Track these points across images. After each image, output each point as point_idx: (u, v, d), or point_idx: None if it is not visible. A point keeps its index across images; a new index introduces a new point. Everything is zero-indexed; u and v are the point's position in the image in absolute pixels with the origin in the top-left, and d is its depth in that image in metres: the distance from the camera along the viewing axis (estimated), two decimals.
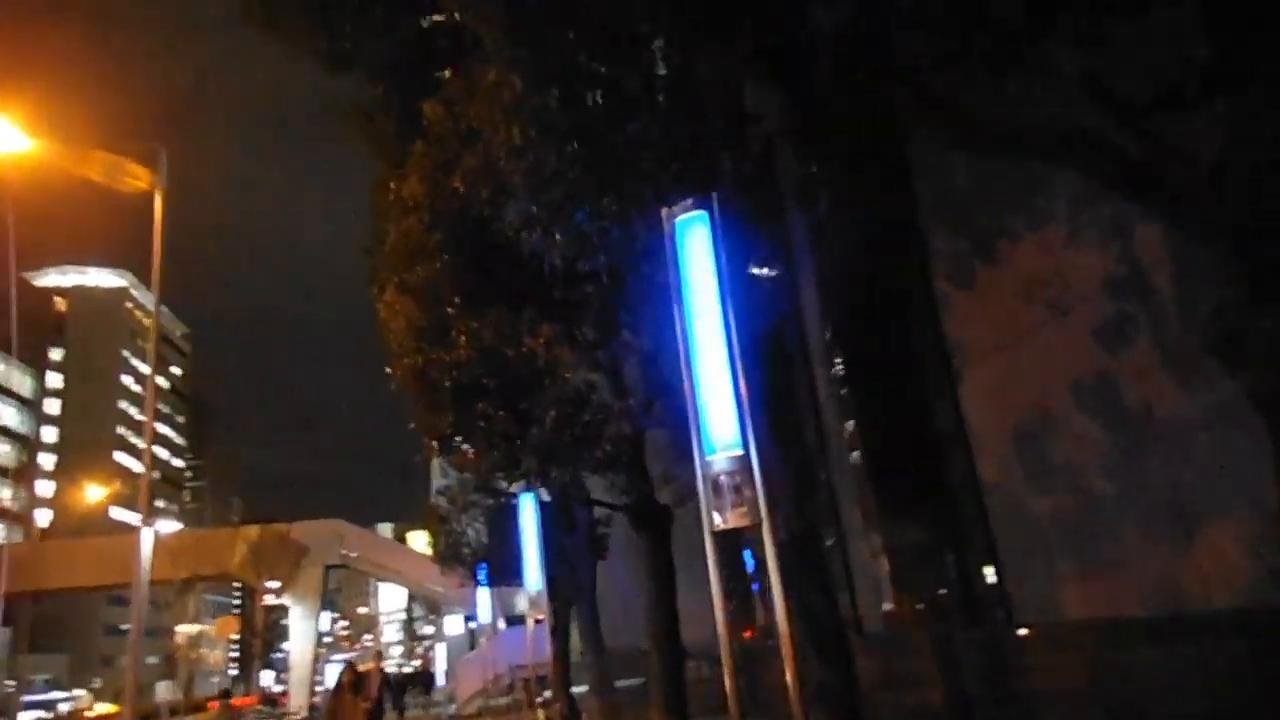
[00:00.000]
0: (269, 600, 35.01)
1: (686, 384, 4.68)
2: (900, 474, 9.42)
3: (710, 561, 4.51)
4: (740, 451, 4.52)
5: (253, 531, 31.95)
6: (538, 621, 13.62)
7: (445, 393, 9.17)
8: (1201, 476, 6.00)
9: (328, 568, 35.48)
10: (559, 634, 21.49)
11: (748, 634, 15.29)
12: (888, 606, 10.48)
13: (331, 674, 45.02)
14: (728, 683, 4.51)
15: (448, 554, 22.57)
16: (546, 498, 14.85)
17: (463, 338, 8.10)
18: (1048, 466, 7.40)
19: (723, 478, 4.52)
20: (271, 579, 30.85)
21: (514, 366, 7.73)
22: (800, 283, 11.03)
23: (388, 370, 10.57)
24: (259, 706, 37.05)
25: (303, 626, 32.40)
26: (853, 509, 11.10)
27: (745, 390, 4.60)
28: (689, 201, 4.73)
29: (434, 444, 11.40)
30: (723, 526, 4.47)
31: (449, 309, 8.51)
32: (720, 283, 4.63)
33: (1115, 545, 6.76)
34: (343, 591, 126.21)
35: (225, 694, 27.08)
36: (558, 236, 6.15)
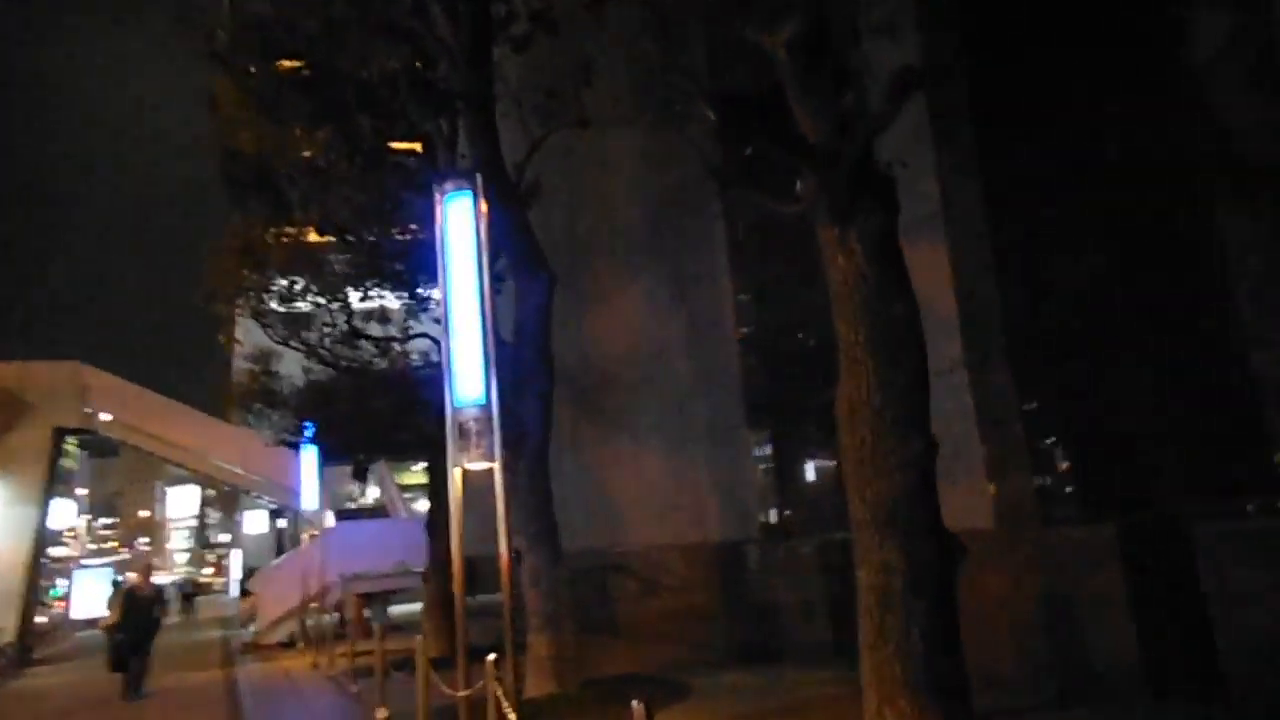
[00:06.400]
0: None
1: None
2: None
3: None
4: None
5: None
6: (496, 470, 6.08)
7: None
8: None
9: (61, 430, 24.46)
10: (438, 525, 13.85)
11: None
12: None
13: (84, 585, 34.72)
14: None
15: (254, 392, 14.12)
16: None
17: None
18: None
19: None
20: None
21: None
22: None
23: None
24: None
25: (12, 514, 21.76)
26: None
27: None
28: None
29: None
30: None
31: None
32: None
33: None
34: (124, 495, 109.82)
35: None
36: None
